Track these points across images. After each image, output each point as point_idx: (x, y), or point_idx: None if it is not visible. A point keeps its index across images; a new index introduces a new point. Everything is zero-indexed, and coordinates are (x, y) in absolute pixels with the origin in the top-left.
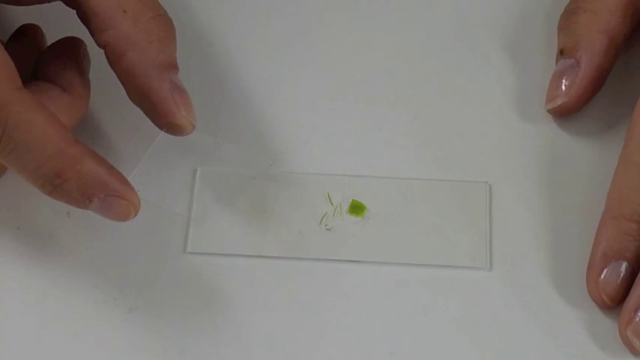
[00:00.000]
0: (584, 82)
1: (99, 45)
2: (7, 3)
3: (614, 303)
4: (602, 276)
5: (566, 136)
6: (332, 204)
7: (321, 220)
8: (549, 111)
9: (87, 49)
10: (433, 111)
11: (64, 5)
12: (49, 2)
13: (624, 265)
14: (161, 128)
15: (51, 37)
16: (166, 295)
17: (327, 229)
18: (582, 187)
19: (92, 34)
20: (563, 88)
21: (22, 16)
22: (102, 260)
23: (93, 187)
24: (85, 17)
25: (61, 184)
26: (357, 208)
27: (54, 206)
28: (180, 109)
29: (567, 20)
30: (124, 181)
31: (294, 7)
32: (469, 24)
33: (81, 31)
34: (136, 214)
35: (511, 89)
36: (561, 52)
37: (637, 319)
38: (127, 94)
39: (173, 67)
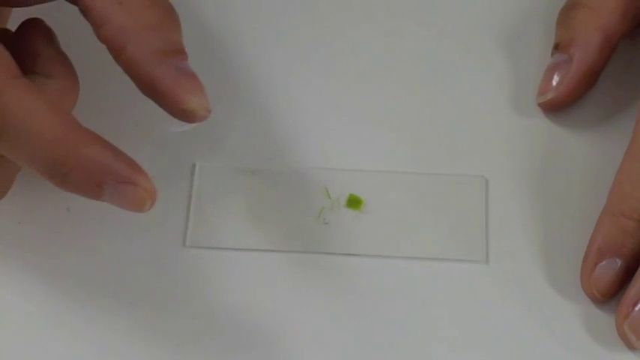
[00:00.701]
0: (575, 78)
1: (100, 41)
2: (7, 5)
3: (605, 298)
4: (595, 271)
5: (563, 130)
6: (330, 198)
7: (319, 214)
8: (539, 105)
9: (47, 24)
10: (430, 105)
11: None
12: (50, 1)
13: (618, 262)
14: (175, 117)
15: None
16: (166, 288)
17: (324, 223)
18: (579, 181)
19: (93, 30)
20: (554, 83)
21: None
22: (101, 254)
23: (101, 173)
24: (83, 14)
25: (67, 173)
26: (354, 202)
27: (54, 201)
28: (189, 94)
29: (565, 15)
30: (135, 167)
31: (293, 4)
32: (467, 19)
33: (79, 30)
34: (152, 203)
35: (509, 84)
36: (556, 47)
37: (634, 314)
38: (137, 87)
39: (177, 52)
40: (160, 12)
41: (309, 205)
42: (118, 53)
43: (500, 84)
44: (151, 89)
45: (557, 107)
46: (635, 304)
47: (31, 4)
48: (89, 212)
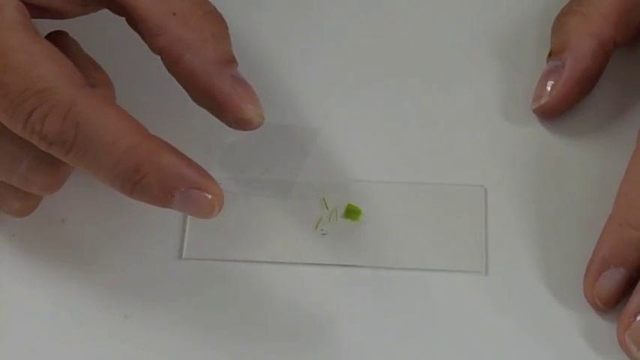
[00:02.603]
0: (568, 83)
1: (154, 51)
2: (50, 17)
3: (607, 307)
4: (599, 280)
5: (562, 139)
6: (328, 208)
7: (317, 225)
8: (534, 111)
9: (72, 37)
10: (429, 115)
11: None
12: (94, 12)
13: (623, 271)
14: (230, 125)
15: None
16: (162, 301)
17: (322, 234)
18: (578, 191)
19: (145, 40)
20: (548, 88)
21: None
22: (97, 267)
23: (173, 180)
24: (135, 24)
25: (140, 180)
26: (352, 213)
27: (49, 213)
28: (246, 102)
29: (559, 22)
30: (205, 174)
31: (286, 18)
32: (464, 28)
33: (94, 41)
34: (220, 209)
35: (508, 93)
36: (550, 54)
37: (635, 325)
38: (190, 96)
39: (231, 61)
40: (212, 21)
41: (306, 215)
42: (174, 63)
43: (500, 93)
44: (207, 98)
45: (551, 113)
46: (637, 315)
47: (72, 16)
48: (84, 224)
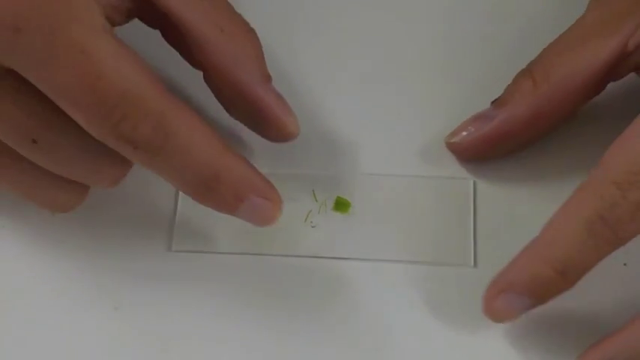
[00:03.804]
0: (482, 139)
1: (197, 66)
2: None
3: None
4: (498, 302)
5: (551, 134)
6: (317, 201)
7: (306, 218)
8: (445, 143)
9: None
10: (417, 108)
11: None
12: (121, 25)
13: (526, 300)
14: (269, 138)
15: None
16: (152, 293)
17: (312, 227)
18: (567, 184)
19: (189, 54)
20: (464, 133)
21: None
22: (87, 258)
23: (246, 189)
24: (179, 38)
25: (216, 187)
26: (341, 205)
27: None
28: (289, 116)
29: (518, 76)
30: (270, 183)
31: (274, 10)
32: (456, 22)
33: None
34: (279, 217)
35: (498, 87)
36: (494, 100)
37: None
38: (230, 110)
39: (270, 78)
40: (253, 40)
41: (296, 208)
42: (222, 78)
43: (490, 87)
44: (252, 114)
45: (459, 155)
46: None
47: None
48: (74, 217)
